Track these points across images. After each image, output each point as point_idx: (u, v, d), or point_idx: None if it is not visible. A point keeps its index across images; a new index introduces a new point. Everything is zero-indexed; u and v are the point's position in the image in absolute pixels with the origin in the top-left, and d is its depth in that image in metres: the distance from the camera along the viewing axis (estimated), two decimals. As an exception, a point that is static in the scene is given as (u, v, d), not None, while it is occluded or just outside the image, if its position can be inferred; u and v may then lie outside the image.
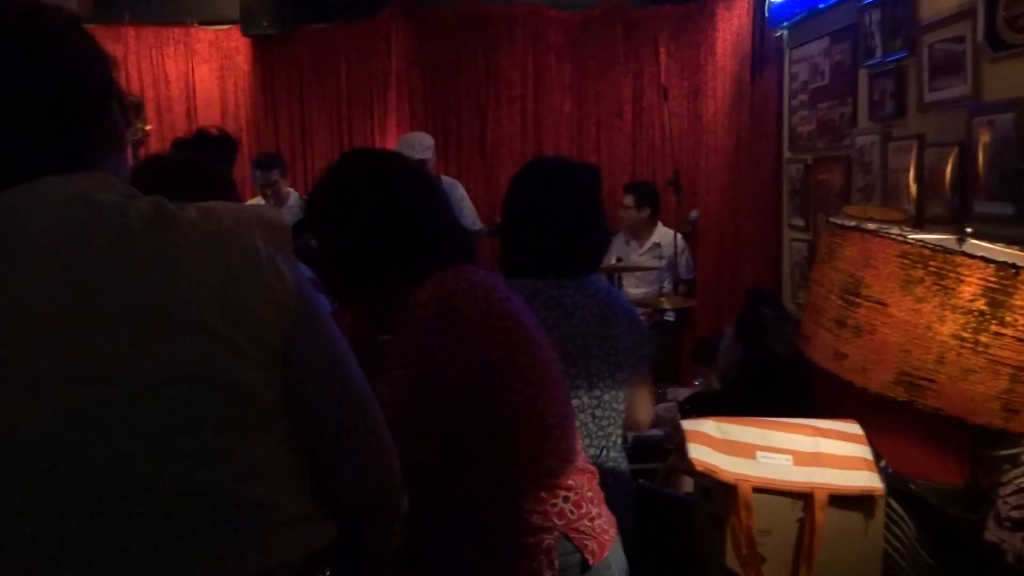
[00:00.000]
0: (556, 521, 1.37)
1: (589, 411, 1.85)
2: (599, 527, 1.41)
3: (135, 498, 0.85)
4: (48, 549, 0.83)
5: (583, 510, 1.40)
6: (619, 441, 1.96)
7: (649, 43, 5.74)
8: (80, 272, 0.84)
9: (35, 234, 0.84)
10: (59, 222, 0.85)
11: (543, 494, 1.37)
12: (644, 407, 2.06)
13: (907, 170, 3.11)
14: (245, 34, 5.51)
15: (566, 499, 1.38)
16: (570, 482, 1.40)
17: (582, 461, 1.46)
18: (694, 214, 5.43)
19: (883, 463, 1.68)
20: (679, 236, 4.87)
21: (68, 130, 0.90)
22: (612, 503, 1.55)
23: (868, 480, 1.62)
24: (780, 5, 4.37)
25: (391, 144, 5.67)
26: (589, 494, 1.43)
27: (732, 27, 5.08)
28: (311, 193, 1.54)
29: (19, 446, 0.81)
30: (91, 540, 0.84)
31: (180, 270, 0.87)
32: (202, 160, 1.55)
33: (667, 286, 4.87)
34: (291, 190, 5.10)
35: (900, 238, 1.68)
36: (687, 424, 1.74)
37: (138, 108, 4.53)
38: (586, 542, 1.37)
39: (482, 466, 1.37)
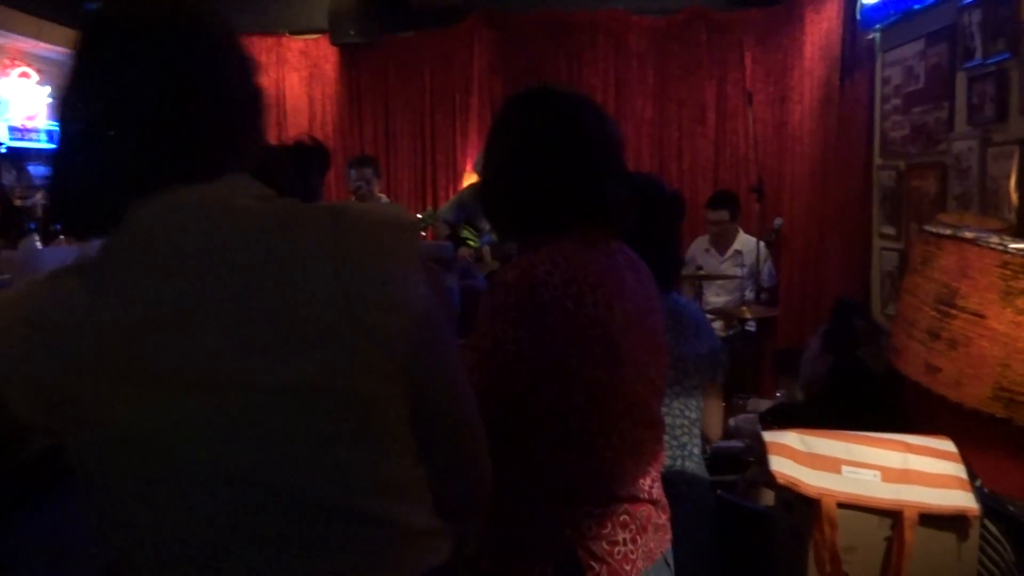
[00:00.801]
0: (568, 532, 1.29)
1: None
2: (620, 554, 1.30)
3: (257, 508, 0.84)
4: (172, 553, 0.84)
5: (605, 531, 1.30)
6: (696, 451, 1.93)
7: (734, 47, 5.64)
8: (211, 279, 0.84)
9: (171, 241, 0.85)
10: (194, 228, 0.85)
11: (560, 504, 1.30)
12: (714, 418, 2.01)
13: (1008, 177, 2.96)
14: (333, 43, 5.66)
15: (589, 514, 1.30)
16: (600, 500, 1.31)
17: (634, 488, 1.35)
18: (778, 221, 5.30)
19: (978, 482, 1.61)
20: (762, 244, 4.75)
21: (223, 135, 0.90)
22: (689, 514, 1.51)
23: (962, 500, 1.55)
24: (872, 7, 4.23)
25: (472, 151, 5.74)
26: (623, 518, 1.32)
27: (821, 30, 4.95)
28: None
29: (147, 450, 0.83)
30: (213, 546, 0.84)
31: (309, 277, 0.85)
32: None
33: (749, 295, 4.76)
34: (383, 196, 5.20)
35: (1000, 247, 1.60)
36: (769, 436, 1.70)
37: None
38: (593, 563, 1.28)
39: (516, 457, 1.31)
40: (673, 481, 1.50)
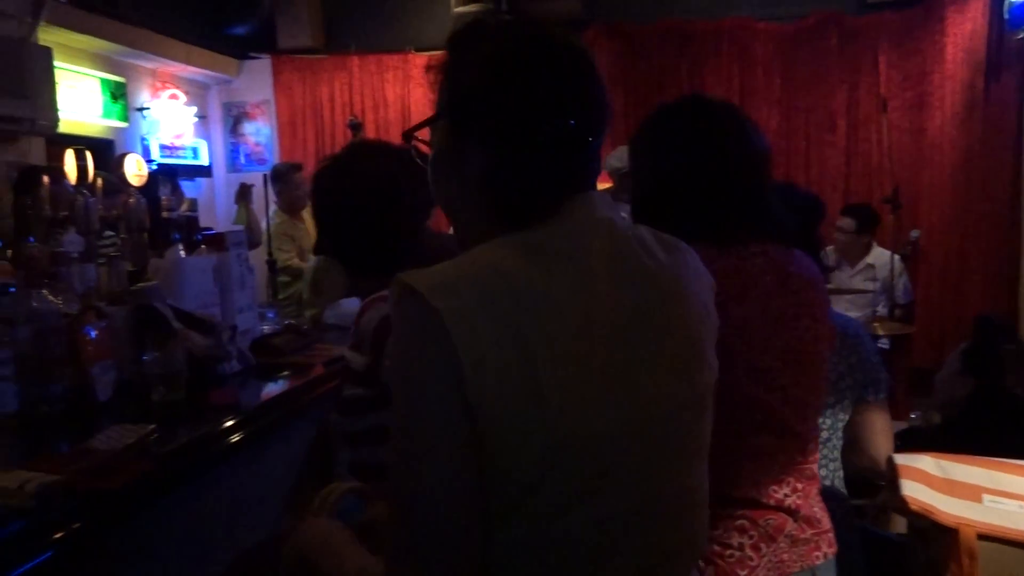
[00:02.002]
0: None
1: None
2: (733, 558, 1.29)
3: (649, 511, 0.89)
4: (586, 552, 0.86)
5: (716, 532, 1.30)
6: (823, 472, 1.83)
7: (867, 52, 5.40)
8: (630, 292, 0.88)
9: (596, 250, 0.88)
10: (608, 239, 0.90)
11: None
12: (873, 439, 1.88)
13: None
14: (456, 58, 5.79)
15: None
16: (712, 500, 1.31)
17: (758, 494, 1.33)
18: (915, 234, 5.03)
19: None
20: (896, 258, 4.52)
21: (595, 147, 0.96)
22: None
23: (1122, 538, 1.42)
24: (1022, 5, 3.97)
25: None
26: (741, 523, 1.30)
27: (964, 31, 4.68)
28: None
29: (585, 452, 0.83)
30: (621, 543, 0.88)
31: (692, 301, 0.95)
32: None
33: (881, 310, 4.53)
34: None
35: None
36: (901, 458, 1.62)
37: (357, 127, 4.93)
38: (700, 562, 1.28)
39: None
40: None
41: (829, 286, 4.34)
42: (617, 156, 4.75)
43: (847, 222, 4.57)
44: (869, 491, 2.41)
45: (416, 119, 6.53)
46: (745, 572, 1.29)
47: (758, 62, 5.56)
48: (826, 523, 1.38)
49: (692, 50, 5.66)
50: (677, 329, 0.91)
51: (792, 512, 1.34)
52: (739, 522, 1.30)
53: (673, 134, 1.41)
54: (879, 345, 4.35)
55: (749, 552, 1.30)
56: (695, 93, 1.49)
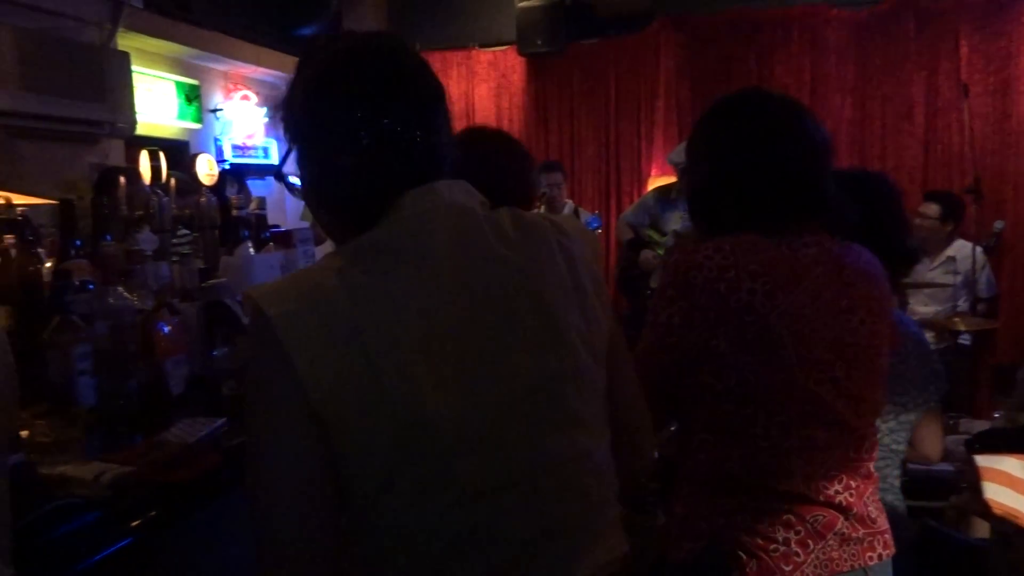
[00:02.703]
0: (719, 520, 1.31)
1: None
2: (777, 553, 1.27)
3: (520, 486, 0.90)
4: (454, 523, 0.88)
5: (760, 526, 1.28)
6: (896, 483, 1.77)
7: (947, 36, 5.19)
8: (477, 277, 0.92)
9: (440, 239, 0.91)
10: (454, 227, 0.93)
11: (715, 489, 1.33)
12: (934, 440, 1.83)
13: None
14: (521, 53, 5.80)
15: (743, 505, 1.30)
16: (757, 492, 1.30)
17: (806, 489, 1.30)
18: (999, 225, 4.81)
19: None
20: (979, 250, 4.32)
21: (440, 148, 0.99)
22: None
23: None
24: (1117, -18, 3.75)
25: (657, 155, 5.67)
26: (787, 517, 1.28)
27: (1052, 11, 4.45)
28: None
29: (427, 437, 0.86)
30: (493, 522, 0.89)
31: (553, 277, 0.96)
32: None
33: (962, 305, 4.35)
34: (568, 200, 5.24)
35: None
36: (983, 460, 1.55)
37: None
38: (742, 555, 1.27)
39: (677, 435, 1.39)
40: None
41: (906, 280, 4.20)
42: (678, 152, 4.69)
43: (931, 208, 4.36)
44: (946, 493, 2.31)
45: (480, 116, 6.49)
46: (790, 567, 1.26)
47: (831, 50, 5.40)
48: (882, 523, 1.35)
49: (761, 40, 5.53)
50: (532, 306, 0.93)
51: (843, 510, 1.31)
52: (785, 516, 1.29)
53: (728, 130, 1.41)
54: (960, 342, 4.18)
55: (795, 548, 1.28)
56: (753, 87, 1.51)
